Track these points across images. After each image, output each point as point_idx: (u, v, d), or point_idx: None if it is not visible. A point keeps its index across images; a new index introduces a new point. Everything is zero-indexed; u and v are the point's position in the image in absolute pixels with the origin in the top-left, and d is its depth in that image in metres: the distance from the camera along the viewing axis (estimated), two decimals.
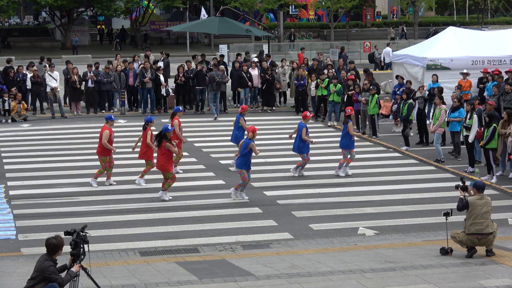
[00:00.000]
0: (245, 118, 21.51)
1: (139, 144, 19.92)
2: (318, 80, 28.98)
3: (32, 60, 33.89)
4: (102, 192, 19.13)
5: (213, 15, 50.71)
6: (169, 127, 18.27)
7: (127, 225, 16.51)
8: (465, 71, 27.65)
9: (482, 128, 20.66)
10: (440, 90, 24.07)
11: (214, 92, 29.68)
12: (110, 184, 19.58)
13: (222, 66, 31.51)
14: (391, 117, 27.59)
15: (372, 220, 16.94)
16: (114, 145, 19.68)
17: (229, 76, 31.95)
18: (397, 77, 28.75)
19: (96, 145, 19.83)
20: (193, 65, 31.53)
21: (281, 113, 31.17)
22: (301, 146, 20.29)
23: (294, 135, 20.62)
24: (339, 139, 20.92)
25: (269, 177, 20.56)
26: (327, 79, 28.87)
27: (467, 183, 14.48)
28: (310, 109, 30.62)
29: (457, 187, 14.10)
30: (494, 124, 19.84)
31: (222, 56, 34.08)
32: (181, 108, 21.51)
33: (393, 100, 27.61)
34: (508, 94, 24.49)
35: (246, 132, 19.60)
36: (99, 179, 19.59)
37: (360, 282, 12.30)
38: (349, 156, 20.65)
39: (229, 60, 39.31)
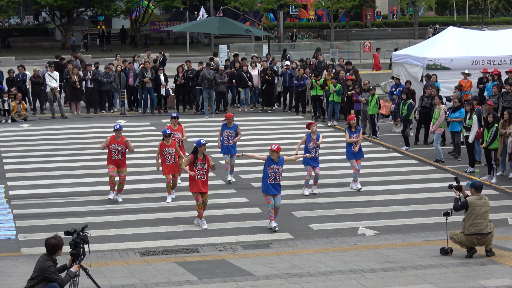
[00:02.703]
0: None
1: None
2: (313, 80, 29.01)
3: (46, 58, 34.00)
4: (102, 192, 19.10)
5: (213, 15, 50.71)
6: (202, 141, 16.23)
7: (127, 225, 16.51)
8: (466, 71, 27.64)
9: (482, 128, 20.67)
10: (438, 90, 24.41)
11: (207, 90, 29.74)
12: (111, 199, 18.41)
13: (221, 66, 31.49)
14: (390, 117, 27.62)
15: (372, 220, 16.94)
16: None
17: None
18: (392, 78, 28.79)
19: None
20: (193, 65, 31.58)
21: (281, 113, 31.17)
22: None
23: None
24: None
25: None
26: (322, 79, 28.93)
27: (464, 183, 14.46)
28: (308, 109, 30.71)
29: (450, 187, 14.10)
30: (496, 125, 19.84)
31: (227, 60, 33.86)
32: (174, 115, 19.76)
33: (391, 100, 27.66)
34: (508, 94, 24.49)
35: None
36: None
37: (360, 282, 12.30)
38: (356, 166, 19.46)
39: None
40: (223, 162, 20.86)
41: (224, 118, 20.40)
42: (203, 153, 16.10)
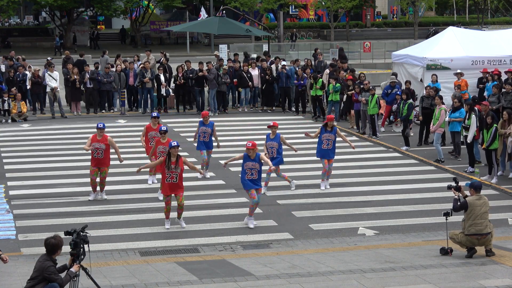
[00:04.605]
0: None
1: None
2: (312, 81, 29.00)
3: (53, 58, 34.10)
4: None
5: (213, 15, 50.71)
6: (173, 143, 15.95)
7: (127, 225, 16.51)
8: (458, 71, 27.59)
9: (477, 129, 20.76)
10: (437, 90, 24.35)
11: (214, 89, 29.96)
12: (102, 198, 18.43)
13: (225, 66, 31.48)
14: (391, 117, 27.59)
15: (372, 220, 16.94)
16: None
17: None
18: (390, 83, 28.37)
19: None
20: (192, 65, 31.62)
21: (281, 113, 31.16)
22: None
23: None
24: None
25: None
26: (321, 80, 28.94)
27: (462, 183, 14.45)
28: (308, 109, 30.71)
29: (449, 187, 14.11)
30: (495, 125, 19.84)
31: (229, 60, 33.88)
32: (154, 114, 19.75)
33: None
34: (508, 94, 24.49)
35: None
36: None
37: (360, 282, 12.30)
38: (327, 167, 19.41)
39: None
40: (223, 162, 20.80)
41: (201, 117, 20.40)
42: (176, 156, 15.87)
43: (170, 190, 15.93)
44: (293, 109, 31.24)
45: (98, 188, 18.42)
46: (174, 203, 16.22)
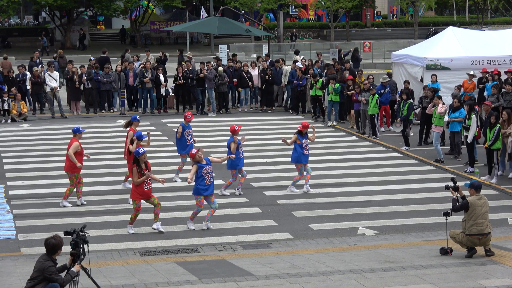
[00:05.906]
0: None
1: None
2: (312, 81, 28.99)
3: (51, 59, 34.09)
4: (102, 192, 19.13)
5: (213, 15, 50.72)
6: (140, 150, 15.73)
7: (127, 225, 16.48)
8: (472, 72, 27.50)
9: (478, 128, 20.71)
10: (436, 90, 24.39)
11: (213, 88, 30.06)
12: (82, 204, 17.91)
13: (220, 68, 31.45)
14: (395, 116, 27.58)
15: (372, 220, 16.95)
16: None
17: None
18: (382, 83, 27.88)
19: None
20: (192, 65, 31.62)
21: (280, 113, 31.17)
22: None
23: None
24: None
25: (269, 177, 20.56)
26: (321, 80, 28.92)
27: (461, 183, 14.45)
28: (308, 109, 30.72)
29: (447, 187, 14.11)
30: (499, 125, 19.83)
31: (230, 60, 33.79)
32: (138, 118, 19.47)
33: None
34: (508, 94, 24.49)
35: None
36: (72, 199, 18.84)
37: (360, 282, 12.30)
38: (305, 173, 19.09)
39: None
40: (223, 162, 20.81)
41: (184, 119, 20.05)
42: (144, 162, 15.72)
43: (146, 196, 15.79)
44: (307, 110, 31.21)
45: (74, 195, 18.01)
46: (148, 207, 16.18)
